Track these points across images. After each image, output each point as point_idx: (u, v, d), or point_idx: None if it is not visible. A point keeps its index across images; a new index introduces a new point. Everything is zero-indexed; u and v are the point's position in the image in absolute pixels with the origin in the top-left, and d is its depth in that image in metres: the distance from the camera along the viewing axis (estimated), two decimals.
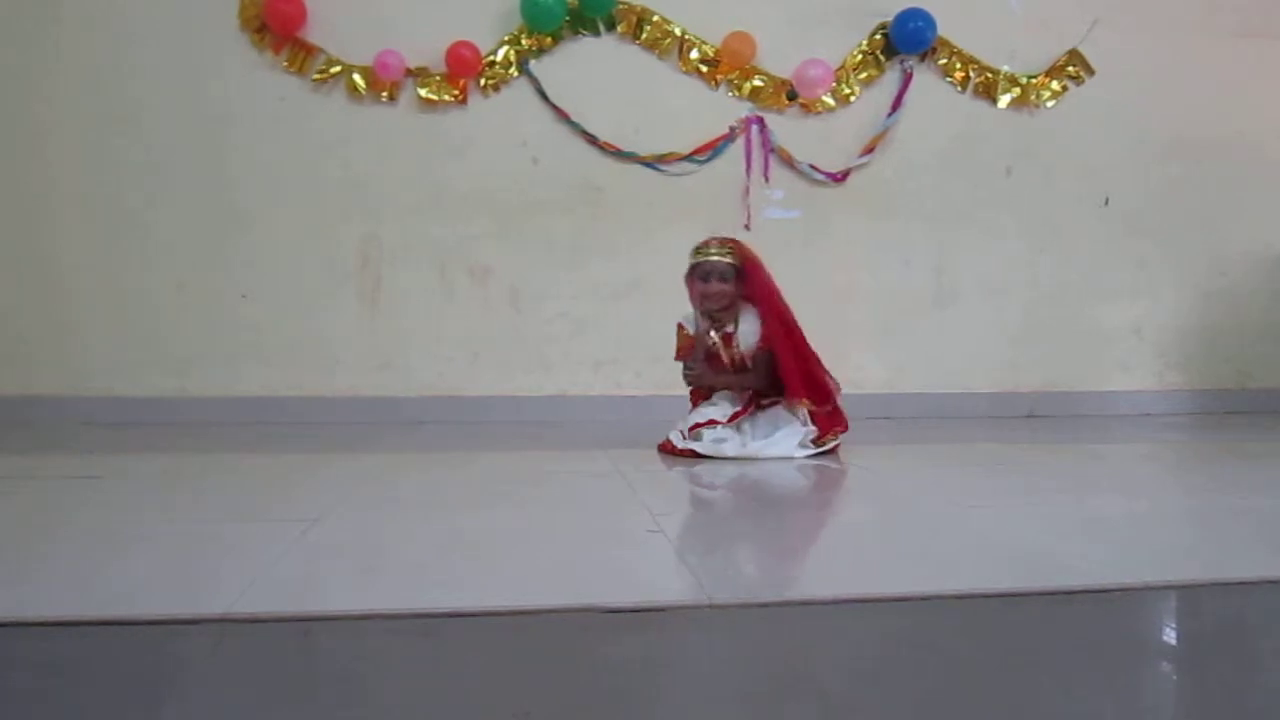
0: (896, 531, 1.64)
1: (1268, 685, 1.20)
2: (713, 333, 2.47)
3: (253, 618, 1.05)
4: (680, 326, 2.52)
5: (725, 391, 2.49)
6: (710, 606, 1.11)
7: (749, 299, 2.46)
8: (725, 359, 2.48)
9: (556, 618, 1.08)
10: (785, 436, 2.39)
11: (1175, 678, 1.19)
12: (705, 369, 2.48)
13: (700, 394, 2.55)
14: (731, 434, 2.40)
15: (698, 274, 2.44)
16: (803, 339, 2.46)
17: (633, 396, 3.35)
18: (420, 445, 2.77)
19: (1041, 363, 3.64)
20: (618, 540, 1.52)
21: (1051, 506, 1.85)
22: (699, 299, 2.45)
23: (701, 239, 2.47)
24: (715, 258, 2.42)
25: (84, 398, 3.16)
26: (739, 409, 2.43)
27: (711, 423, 2.40)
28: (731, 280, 2.42)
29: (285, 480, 2.13)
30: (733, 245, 2.45)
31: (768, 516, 1.86)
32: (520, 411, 3.30)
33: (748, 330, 2.44)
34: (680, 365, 2.54)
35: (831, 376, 2.49)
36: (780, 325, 2.43)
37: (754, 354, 2.45)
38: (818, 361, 2.47)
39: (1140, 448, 2.87)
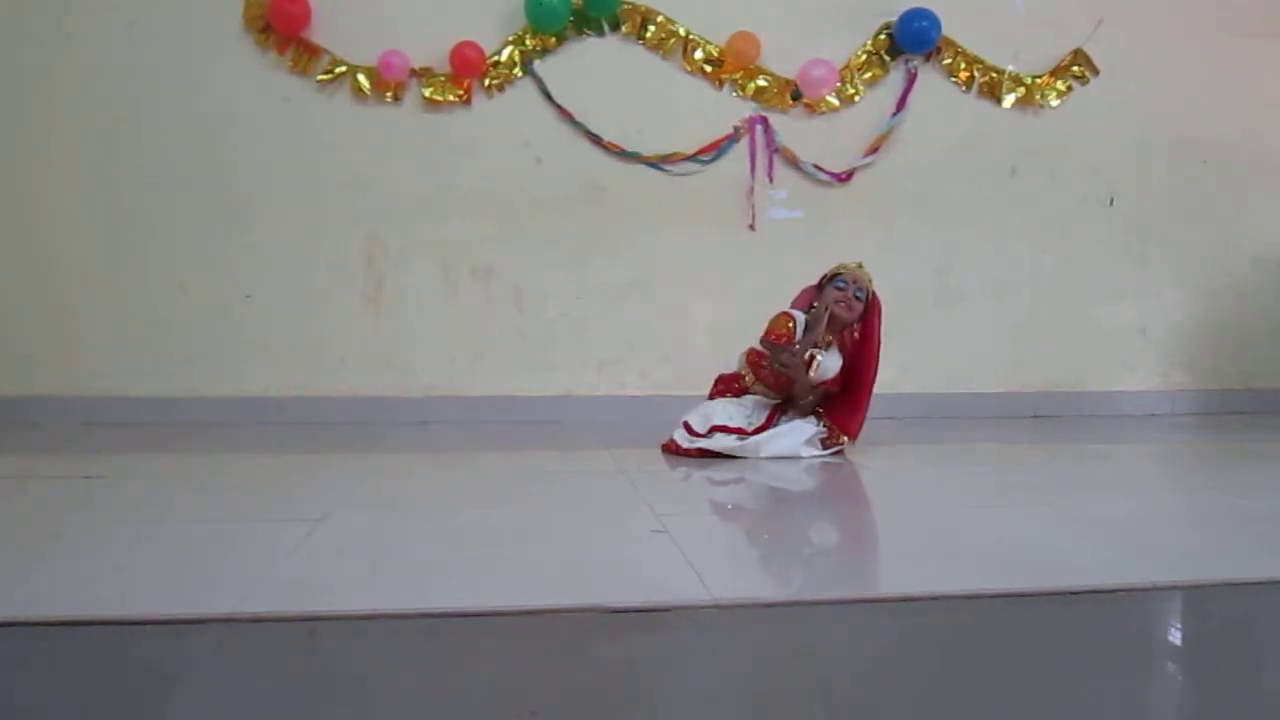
0: (900, 531, 1.64)
1: (1272, 686, 1.20)
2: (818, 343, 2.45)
3: (257, 617, 1.05)
4: (789, 315, 2.48)
5: (757, 397, 2.49)
6: (714, 606, 1.11)
7: (864, 333, 2.49)
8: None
9: (561, 618, 1.08)
10: (792, 430, 2.39)
11: (1180, 679, 1.19)
12: (800, 362, 2.43)
13: (726, 390, 2.54)
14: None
15: (836, 283, 2.46)
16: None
17: (637, 397, 3.34)
18: (423, 445, 2.77)
19: (1045, 363, 3.63)
20: (622, 540, 1.52)
21: (1055, 507, 1.84)
22: (832, 302, 2.44)
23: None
24: (859, 274, 2.46)
25: (85, 398, 3.15)
26: (761, 423, 2.43)
27: (739, 431, 2.39)
28: (861, 307, 2.46)
29: (288, 480, 2.13)
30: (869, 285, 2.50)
31: (771, 516, 1.86)
32: (523, 412, 3.30)
33: (830, 365, 2.44)
34: (746, 355, 2.54)
35: None
36: (874, 367, 2.48)
37: (821, 383, 2.44)
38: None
39: (1145, 448, 2.86)
